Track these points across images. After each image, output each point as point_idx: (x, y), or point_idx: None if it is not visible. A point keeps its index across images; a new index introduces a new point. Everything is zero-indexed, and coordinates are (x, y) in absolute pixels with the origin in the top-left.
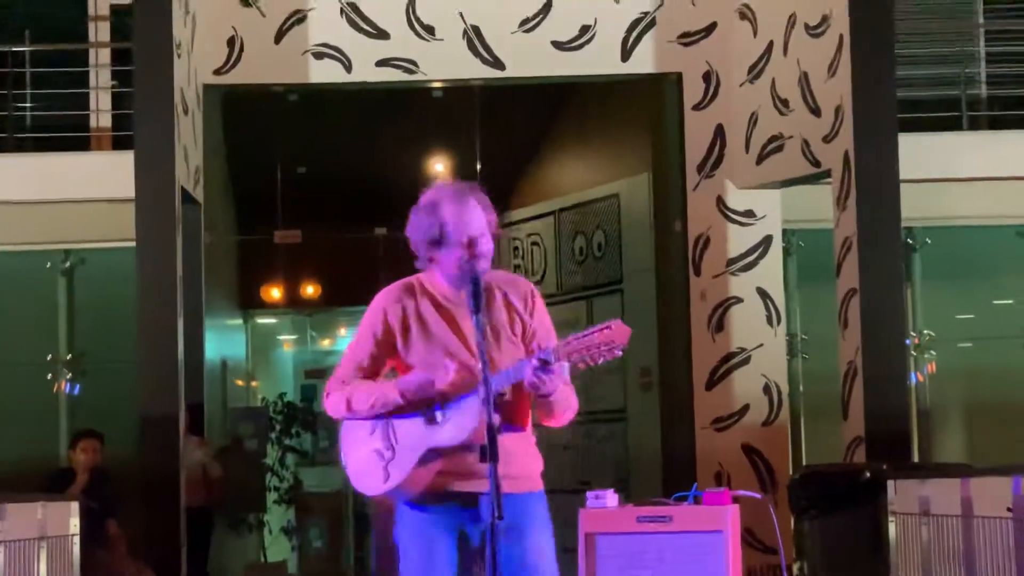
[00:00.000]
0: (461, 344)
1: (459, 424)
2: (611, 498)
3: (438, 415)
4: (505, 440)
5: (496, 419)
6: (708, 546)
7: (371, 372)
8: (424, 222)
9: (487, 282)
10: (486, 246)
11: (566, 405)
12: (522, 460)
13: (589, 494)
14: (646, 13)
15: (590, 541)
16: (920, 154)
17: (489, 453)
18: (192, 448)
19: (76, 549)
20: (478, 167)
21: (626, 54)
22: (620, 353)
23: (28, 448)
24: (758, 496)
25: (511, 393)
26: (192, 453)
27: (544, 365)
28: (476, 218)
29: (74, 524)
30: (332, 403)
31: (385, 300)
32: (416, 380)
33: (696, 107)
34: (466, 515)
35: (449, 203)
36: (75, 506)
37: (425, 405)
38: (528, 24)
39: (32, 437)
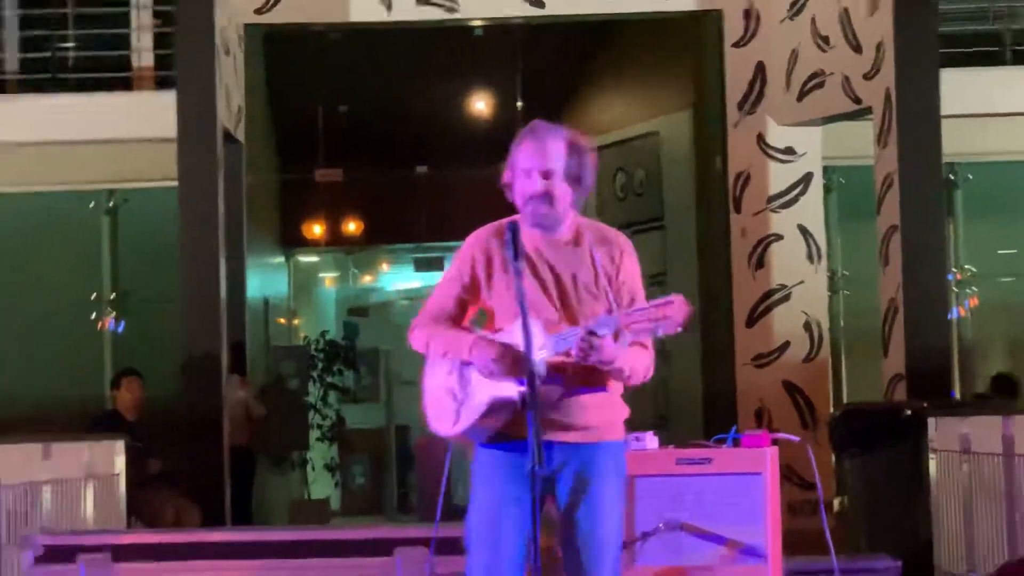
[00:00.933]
0: (541, 293)
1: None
2: (650, 440)
3: None
4: (581, 397)
5: (542, 368)
6: (747, 488)
7: (457, 313)
8: (510, 152)
9: (579, 228)
10: (541, 186)
11: (631, 371)
12: (592, 412)
13: (628, 436)
14: None
15: (629, 483)
16: (962, 89)
17: (529, 402)
18: (235, 387)
19: (122, 488)
20: (519, 105)
21: None
22: (679, 329)
23: (73, 386)
24: (796, 439)
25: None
26: (235, 392)
27: (591, 335)
28: (537, 152)
29: (120, 463)
30: (415, 339)
31: (474, 242)
32: (484, 353)
33: (736, 44)
34: (526, 460)
35: (525, 135)
36: (120, 445)
37: None
38: None
39: (77, 375)
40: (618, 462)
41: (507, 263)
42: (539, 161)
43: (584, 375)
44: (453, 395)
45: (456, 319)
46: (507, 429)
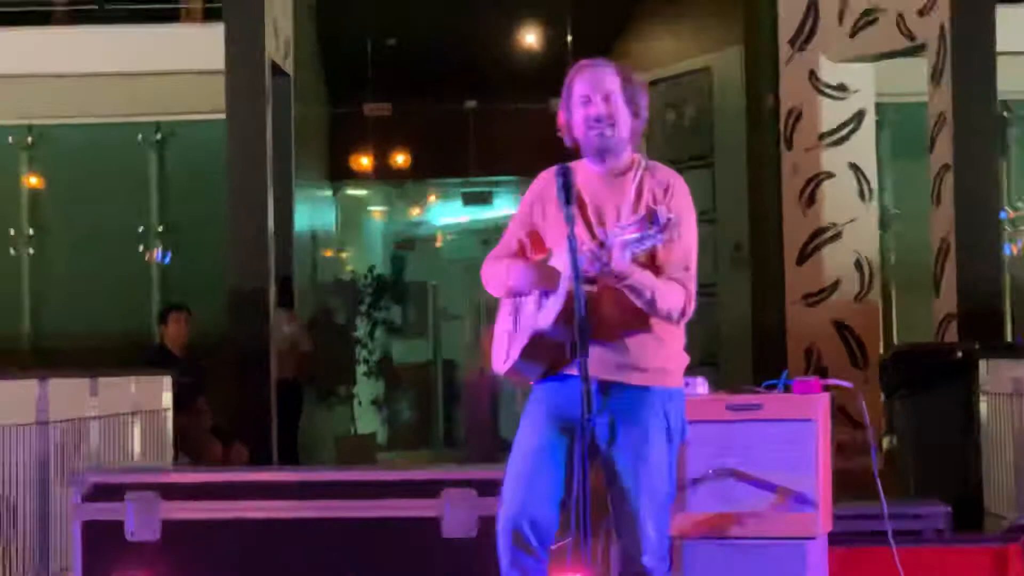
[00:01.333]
0: (585, 229)
1: (547, 311)
2: (701, 385)
3: (543, 298)
4: (636, 335)
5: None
6: (798, 434)
7: (520, 254)
8: (562, 94)
9: (636, 164)
10: (604, 109)
11: (655, 295)
12: (649, 354)
13: None
14: None
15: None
16: (1017, 25)
17: (580, 346)
18: (282, 322)
19: (169, 423)
20: (568, 40)
21: None
22: (660, 239)
23: (121, 320)
24: (848, 385)
25: (607, 286)
26: (281, 327)
27: (601, 246)
28: (600, 80)
29: (167, 399)
30: (485, 276)
31: (536, 184)
32: (526, 267)
33: None
34: (579, 403)
35: (579, 66)
36: (167, 381)
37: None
38: None
39: (124, 309)
40: (667, 409)
41: (560, 204)
42: (598, 86)
43: (625, 309)
44: (508, 333)
45: (522, 256)
46: (551, 369)
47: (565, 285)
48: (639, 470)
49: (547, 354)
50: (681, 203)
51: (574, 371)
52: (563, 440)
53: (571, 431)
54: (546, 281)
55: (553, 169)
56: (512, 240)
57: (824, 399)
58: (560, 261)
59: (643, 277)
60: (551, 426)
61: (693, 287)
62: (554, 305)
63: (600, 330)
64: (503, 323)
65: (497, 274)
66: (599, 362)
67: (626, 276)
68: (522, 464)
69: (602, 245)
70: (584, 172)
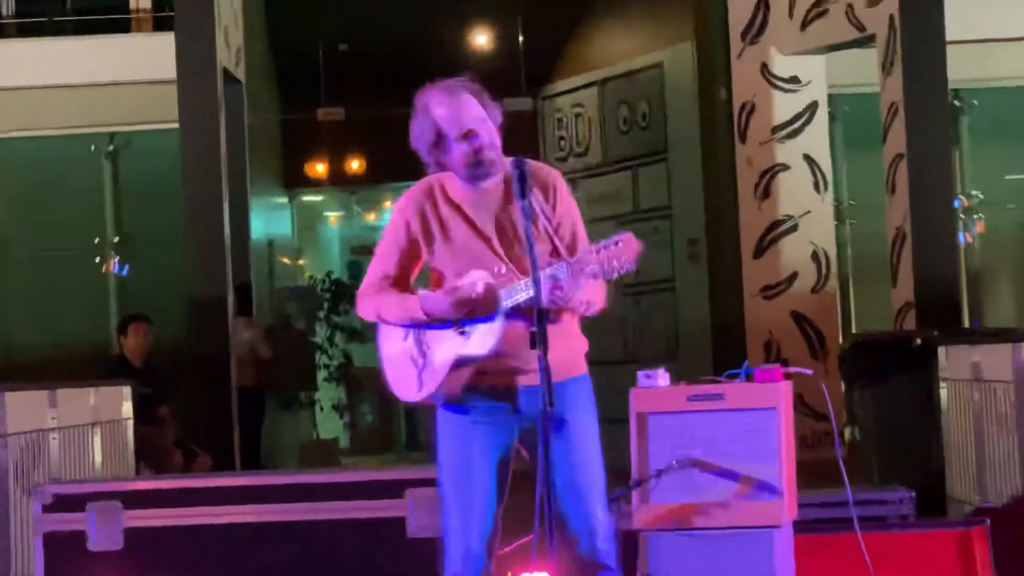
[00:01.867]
0: (485, 247)
1: (483, 339)
2: (662, 377)
3: (466, 328)
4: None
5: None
6: (761, 423)
7: (401, 277)
8: (419, 127)
9: (506, 172)
10: (486, 137)
11: (590, 303)
12: (556, 348)
13: (640, 373)
14: None
15: (642, 420)
16: (966, 14)
17: (539, 340)
18: (241, 328)
19: (130, 433)
20: (520, 40)
21: None
22: (632, 268)
23: (79, 331)
24: (810, 372)
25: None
26: (241, 334)
27: (556, 282)
28: (469, 109)
29: (127, 408)
30: (363, 310)
31: (405, 205)
32: (439, 303)
33: None
34: (498, 407)
35: (439, 100)
36: (127, 390)
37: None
38: None
39: (82, 320)
40: (588, 395)
41: (443, 222)
42: (469, 116)
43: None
44: (413, 361)
45: (402, 280)
46: (469, 387)
47: (502, 308)
48: (584, 458)
49: (466, 375)
50: (568, 200)
51: (485, 383)
52: (487, 455)
53: (497, 440)
54: (484, 309)
55: (418, 188)
56: (389, 266)
57: (786, 387)
58: (474, 279)
59: (583, 296)
60: (472, 446)
61: None
62: (497, 329)
63: (515, 338)
64: (398, 346)
65: (398, 308)
66: (513, 368)
67: (572, 302)
68: (455, 491)
69: (557, 285)
70: (461, 187)
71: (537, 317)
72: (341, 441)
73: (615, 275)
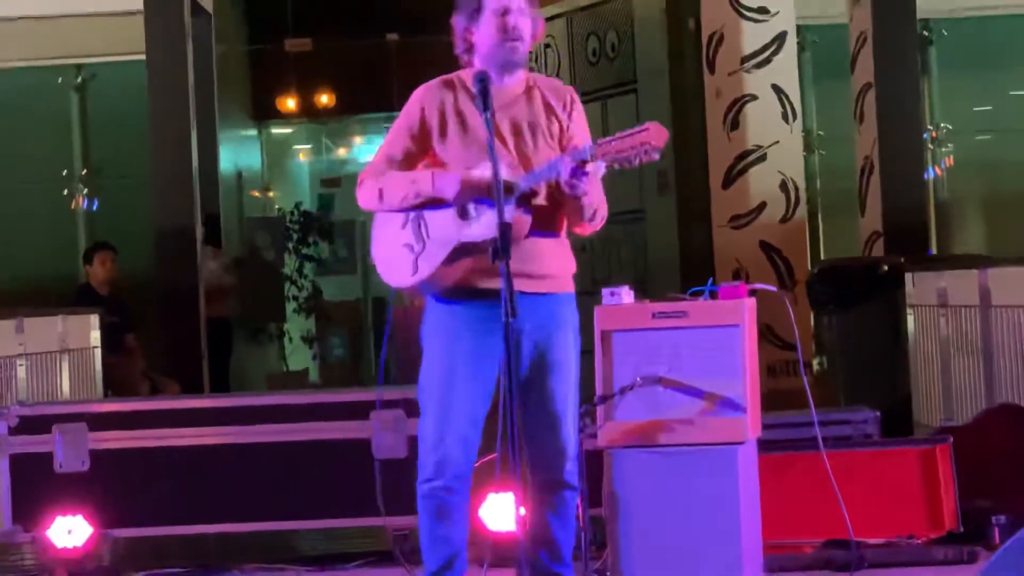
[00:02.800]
0: (499, 142)
1: (491, 220)
2: (627, 295)
3: (471, 209)
4: (538, 242)
5: (514, 215)
6: (724, 340)
7: (406, 166)
8: (461, 3)
9: (529, 81)
10: (523, 22)
11: (596, 210)
12: (551, 261)
13: (604, 291)
14: None
15: (606, 338)
16: None
17: (500, 250)
18: (207, 259)
19: (98, 361)
20: None
21: None
22: (657, 156)
23: (47, 264)
24: (774, 289)
25: (545, 195)
26: (207, 264)
27: (581, 165)
28: None
29: (95, 337)
30: (364, 193)
31: (423, 94)
32: (450, 180)
33: None
34: (492, 312)
35: None
36: (95, 319)
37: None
38: None
39: (51, 253)
40: (573, 315)
41: (462, 115)
42: (518, 2)
43: (542, 216)
44: (410, 247)
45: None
46: (465, 281)
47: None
48: (560, 378)
49: (461, 266)
50: (582, 118)
51: (481, 284)
52: (479, 356)
53: (486, 346)
54: (486, 194)
55: (438, 80)
56: (396, 152)
57: (750, 304)
58: (479, 171)
59: (595, 195)
60: (463, 344)
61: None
62: (492, 219)
63: (521, 228)
64: (395, 233)
65: (404, 185)
66: (517, 273)
67: (588, 194)
68: (438, 386)
69: (583, 163)
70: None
71: (500, 231)
72: (310, 373)
73: (638, 161)
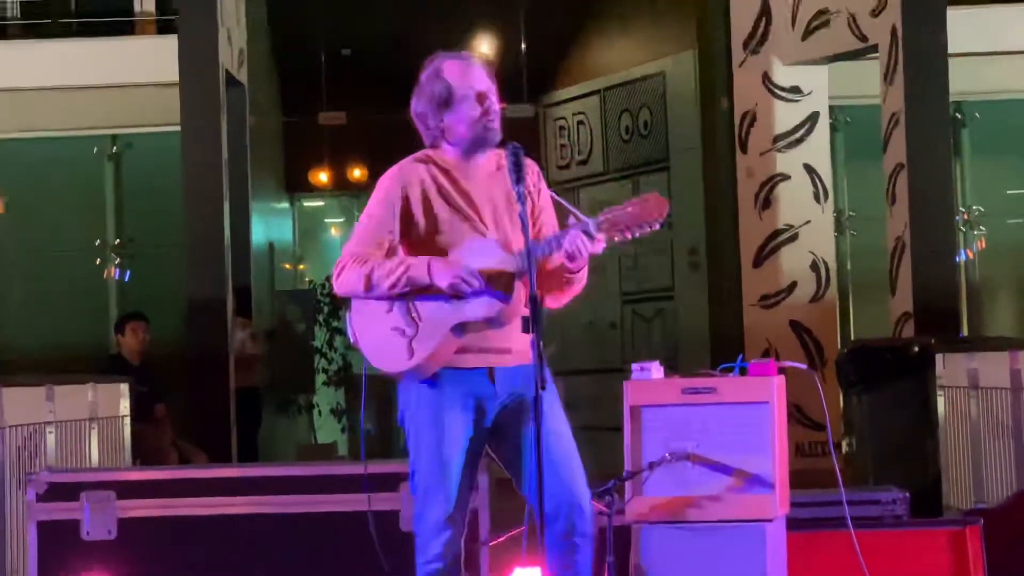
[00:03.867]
0: (476, 219)
1: (485, 299)
2: (656, 370)
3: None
4: (513, 318)
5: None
6: (753, 417)
7: (390, 250)
8: (429, 88)
9: (499, 159)
10: (496, 104)
11: (580, 282)
12: (518, 333)
13: (634, 366)
14: None
15: (635, 413)
16: (968, 27)
17: (532, 321)
18: (235, 328)
19: (127, 430)
20: (523, 47)
21: None
22: (658, 227)
23: (78, 333)
24: (803, 367)
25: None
26: (235, 333)
27: (588, 237)
28: (482, 77)
29: (124, 405)
30: (347, 279)
31: (399, 174)
32: (447, 263)
33: None
34: (480, 391)
35: (453, 65)
36: (125, 387)
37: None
38: None
39: (82, 322)
40: (550, 375)
41: (443, 189)
42: (487, 81)
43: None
44: (400, 331)
45: (390, 254)
46: (457, 360)
47: (523, 265)
48: (559, 429)
49: (455, 345)
50: (547, 192)
51: (470, 363)
52: (468, 434)
53: (478, 421)
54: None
55: (411, 160)
56: (383, 233)
57: (780, 381)
58: (470, 255)
59: (583, 261)
60: (460, 421)
61: None
62: (487, 298)
63: (499, 318)
64: (380, 319)
65: (398, 270)
66: (498, 350)
67: (583, 267)
68: (437, 470)
69: (588, 234)
70: (453, 160)
71: (531, 300)
72: (339, 446)
73: (639, 233)
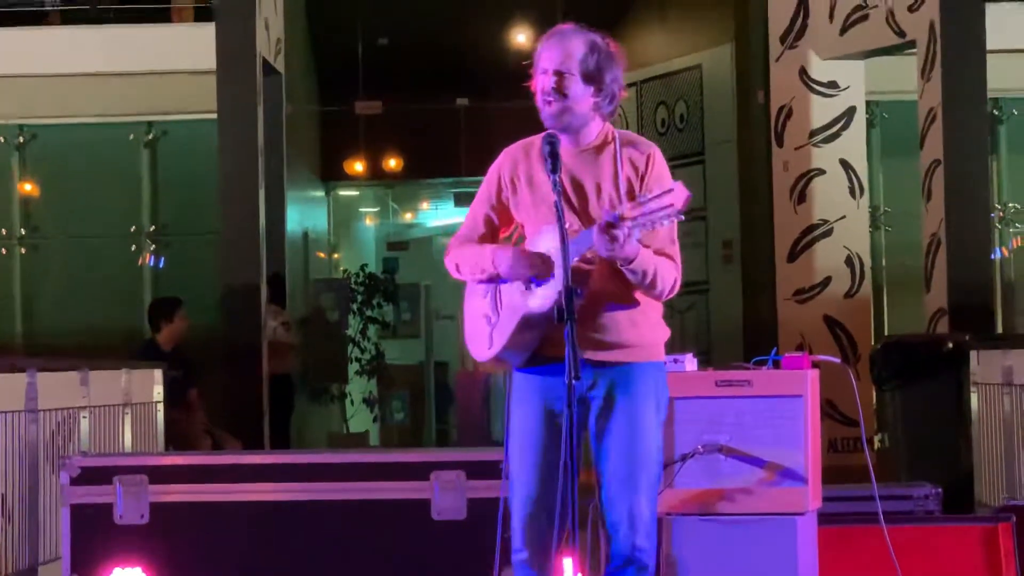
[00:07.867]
0: (565, 205)
1: (546, 292)
2: (690, 362)
3: (532, 286)
4: (611, 311)
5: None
6: (787, 410)
7: (488, 234)
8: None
9: (607, 137)
10: (551, 81)
11: (655, 275)
12: (627, 329)
13: (668, 358)
14: None
15: (669, 405)
16: (1007, 23)
17: (567, 313)
18: (268, 316)
19: (160, 415)
20: None
21: None
22: (682, 217)
23: (112, 319)
24: (837, 361)
25: (601, 264)
26: (268, 321)
27: (610, 228)
28: (556, 51)
29: (158, 391)
30: (448, 263)
31: (501, 159)
32: (509, 250)
33: None
34: (556, 386)
35: (546, 35)
36: (159, 373)
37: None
38: None
39: (116, 308)
40: (656, 384)
41: (532, 176)
42: (555, 59)
43: (611, 286)
44: (487, 319)
45: (487, 240)
46: (542, 350)
47: (559, 272)
48: (634, 448)
49: (534, 338)
50: (663, 174)
51: (560, 351)
52: (548, 429)
53: (549, 416)
54: (538, 270)
55: (519, 143)
56: (477, 220)
57: (813, 375)
58: (543, 243)
59: (645, 258)
60: (544, 411)
61: (680, 260)
62: (551, 290)
63: (588, 307)
64: (478, 304)
65: (473, 259)
66: (588, 341)
67: (632, 259)
68: (525, 453)
69: (612, 226)
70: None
71: (565, 294)
72: (371, 436)
73: (663, 223)
